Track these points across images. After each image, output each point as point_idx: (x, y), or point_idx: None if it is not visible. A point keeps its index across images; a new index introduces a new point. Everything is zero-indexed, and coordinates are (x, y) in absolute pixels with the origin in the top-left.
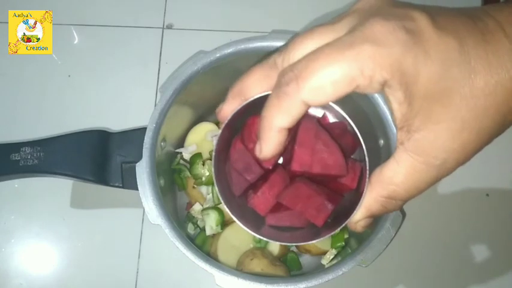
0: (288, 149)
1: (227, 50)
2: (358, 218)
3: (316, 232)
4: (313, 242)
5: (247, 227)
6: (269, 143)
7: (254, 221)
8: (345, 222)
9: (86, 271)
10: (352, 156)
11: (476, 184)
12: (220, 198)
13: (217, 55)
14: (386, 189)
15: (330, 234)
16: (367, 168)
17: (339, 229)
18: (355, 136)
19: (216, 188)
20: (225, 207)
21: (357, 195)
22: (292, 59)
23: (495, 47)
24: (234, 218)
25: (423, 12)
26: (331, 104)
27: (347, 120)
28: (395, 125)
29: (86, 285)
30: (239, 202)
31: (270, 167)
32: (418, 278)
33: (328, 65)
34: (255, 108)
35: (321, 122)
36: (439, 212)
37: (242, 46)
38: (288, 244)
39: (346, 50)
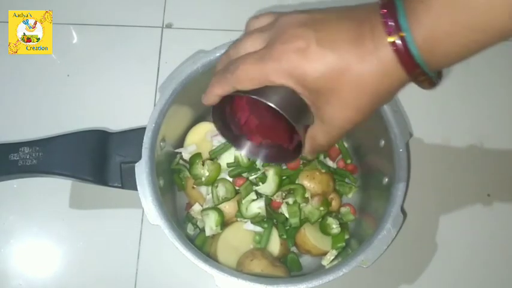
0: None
1: None
2: (305, 152)
3: (285, 156)
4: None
5: (229, 140)
6: (209, 98)
7: (237, 141)
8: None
9: (85, 271)
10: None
11: (477, 184)
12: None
13: (217, 55)
14: (313, 140)
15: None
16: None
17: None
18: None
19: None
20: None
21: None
22: (237, 54)
23: (363, 49)
24: (218, 130)
25: (311, 32)
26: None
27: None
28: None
29: (85, 285)
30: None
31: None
32: (419, 278)
33: (248, 70)
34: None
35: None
36: (440, 212)
37: None
38: (263, 162)
39: (260, 62)
